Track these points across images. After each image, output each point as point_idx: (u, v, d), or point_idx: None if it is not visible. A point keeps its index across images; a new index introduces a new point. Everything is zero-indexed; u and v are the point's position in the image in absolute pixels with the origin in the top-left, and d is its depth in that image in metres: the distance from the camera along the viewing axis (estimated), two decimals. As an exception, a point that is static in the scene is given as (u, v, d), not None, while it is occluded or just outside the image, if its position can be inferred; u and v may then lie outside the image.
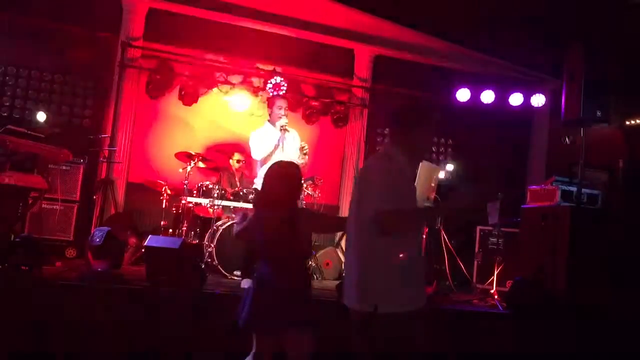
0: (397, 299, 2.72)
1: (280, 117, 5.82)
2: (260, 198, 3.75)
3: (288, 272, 3.22)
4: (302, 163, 5.82)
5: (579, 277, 5.55)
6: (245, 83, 8.24)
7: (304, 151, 5.91)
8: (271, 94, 7.86)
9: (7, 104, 7.46)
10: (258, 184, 5.71)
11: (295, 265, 3.29)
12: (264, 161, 5.70)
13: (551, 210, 5.99)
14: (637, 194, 7.51)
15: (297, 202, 3.55)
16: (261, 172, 5.62)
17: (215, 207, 6.62)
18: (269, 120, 5.95)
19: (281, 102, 5.97)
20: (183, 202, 6.74)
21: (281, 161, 3.64)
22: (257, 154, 5.76)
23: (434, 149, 9.30)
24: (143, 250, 5.66)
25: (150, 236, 5.35)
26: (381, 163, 2.89)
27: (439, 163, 8.74)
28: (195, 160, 6.91)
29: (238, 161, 7.59)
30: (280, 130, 5.74)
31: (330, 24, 8.32)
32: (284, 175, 3.38)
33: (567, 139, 6.76)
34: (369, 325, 2.71)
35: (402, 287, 2.74)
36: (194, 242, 6.73)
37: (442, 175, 7.03)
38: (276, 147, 5.70)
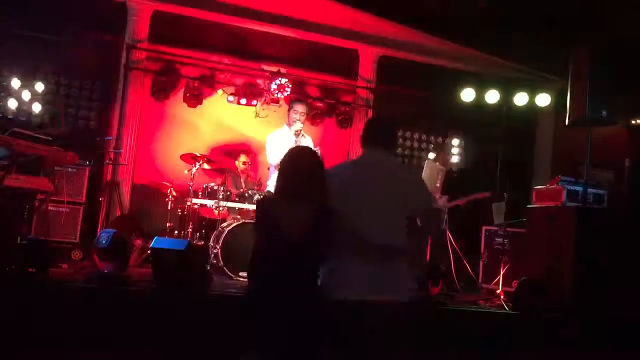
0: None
1: (296, 122, 5.69)
2: (284, 189, 3.08)
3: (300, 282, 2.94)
4: None
5: (585, 276, 5.53)
6: (250, 85, 8.25)
7: None
8: (275, 95, 7.88)
9: (14, 106, 7.48)
10: (271, 187, 5.62)
11: (310, 274, 2.99)
12: (278, 166, 5.57)
13: (557, 210, 5.98)
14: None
15: (326, 198, 2.99)
16: (274, 178, 5.56)
17: (221, 208, 6.62)
18: (287, 124, 5.84)
19: (298, 107, 5.79)
20: (188, 203, 6.75)
21: (303, 147, 3.32)
22: (273, 158, 5.59)
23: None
24: (149, 252, 5.67)
25: (156, 238, 5.35)
26: None
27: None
28: (201, 162, 6.91)
29: (244, 163, 7.60)
30: (295, 134, 5.63)
31: (335, 25, 8.32)
32: (311, 165, 3.01)
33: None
34: None
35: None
36: (199, 243, 6.73)
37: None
38: None
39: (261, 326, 2.89)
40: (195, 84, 7.99)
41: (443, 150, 7.72)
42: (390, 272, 3.00)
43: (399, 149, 9.25)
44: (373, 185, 3.06)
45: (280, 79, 7.87)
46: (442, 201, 6.77)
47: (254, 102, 8.21)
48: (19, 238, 5.09)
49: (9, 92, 7.44)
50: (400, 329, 2.95)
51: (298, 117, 5.70)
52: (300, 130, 5.65)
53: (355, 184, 3.09)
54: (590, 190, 6.03)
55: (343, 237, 2.97)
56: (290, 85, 7.91)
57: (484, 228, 7.17)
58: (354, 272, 2.96)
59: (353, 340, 2.94)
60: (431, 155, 9.17)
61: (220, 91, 8.18)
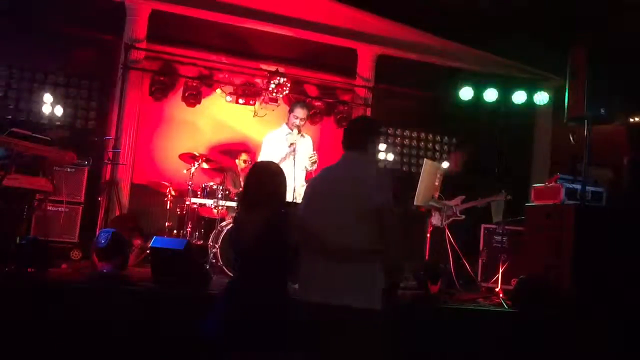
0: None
1: (294, 128, 5.64)
2: (240, 198, 3.53)
3: (263, 284, 3.05)
4: (310, 170, 5.76)
5: (583, 275, 5.54)
6: (249, 84, 8.25)
7: (312, 160, 5.78)
8: (274, 95, 7.87)
9: (12, 106, 7.48)
10: None
11: (273, 277, 3.10)
12: None
13: (556, 208, 5.98)
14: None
15: (281, 203, 3.30)
16: None
17: (220, 207, 6.63)
18: (286, 124, 5.83)
19: (299, 112, 5.67)
20: (187, 203, 6.75)
21: (262, 162, 3.59)
22: (264, 159, 5.59)
23: (437, 148, 9.37)
24: (148, 251, 5.67)
25: (155, 237, 5.35)
26: None
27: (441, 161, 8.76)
28: (199, 161, 6.92)
29: (245, 161, 7.60)
30: (289, 146, 5.58)
31: (333, 24, 8.33)
32: (264, 173, 3.28)
33: (572, 138, 6.73)
34: None
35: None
36: (198, 242, 6.74)
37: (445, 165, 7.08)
38: (283, 160, 5.49)
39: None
40: (194, 84, 7.99)
41: (455, 151, 7.75)
42: (351, 275, 2.92)
43: (398, 147, 9.26)
44: (336, 187, 3.08)
45: (278, 78, 7.87)
46: (456, 202, 6.78)
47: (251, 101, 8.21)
48: (18, 238, 5.09)
49: (7, 92, 7.44)
50: (356, 335, 2.88)
51: (298, 122, 5.66)
52: (295, 143, 5.62)
53: (321, 187, 3.18)
54: (588, 188, 6.03)
55: (305, 239, 3.05)
56: (288, 85, 7.91)
57: (482, 226, 7.17)
58: (312, 273, 3.00)
59: (309, 342, 2.95)
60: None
61: (218, 90, 8.18)
